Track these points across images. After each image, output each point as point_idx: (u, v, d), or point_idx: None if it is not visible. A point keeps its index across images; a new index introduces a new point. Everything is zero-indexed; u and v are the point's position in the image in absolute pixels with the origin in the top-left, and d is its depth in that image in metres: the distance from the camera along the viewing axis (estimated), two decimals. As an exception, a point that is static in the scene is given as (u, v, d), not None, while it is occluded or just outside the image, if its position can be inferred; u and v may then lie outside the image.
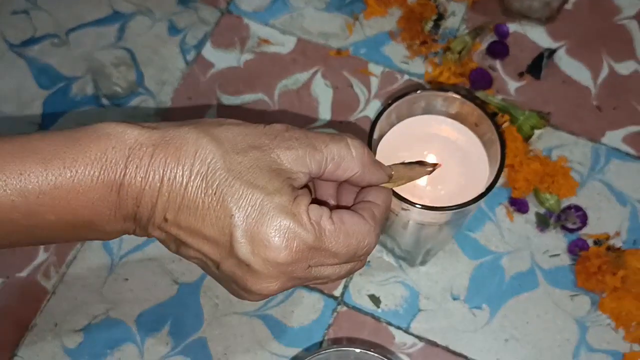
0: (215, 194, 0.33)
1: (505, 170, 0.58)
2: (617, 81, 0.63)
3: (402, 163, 0.40)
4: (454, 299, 0.55)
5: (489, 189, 0.41)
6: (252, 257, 0.33)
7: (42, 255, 0.57)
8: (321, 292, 0.55)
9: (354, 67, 0.64)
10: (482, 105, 0.44)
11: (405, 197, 0.42)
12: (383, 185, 0.38)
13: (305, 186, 0.38)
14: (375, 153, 0.44)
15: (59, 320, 0.54)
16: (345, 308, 0.54)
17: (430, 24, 0.64)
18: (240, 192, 0.33)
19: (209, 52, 0.65)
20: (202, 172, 0.33)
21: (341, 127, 0.61)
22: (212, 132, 0.35)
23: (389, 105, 0.43)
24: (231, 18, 0.67)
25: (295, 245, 0.34)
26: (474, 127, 0.45)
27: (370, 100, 0.62)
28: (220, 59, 0.65)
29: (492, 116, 0.43)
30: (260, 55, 0.65)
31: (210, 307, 0.55)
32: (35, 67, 0.65)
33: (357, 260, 0.37)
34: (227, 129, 0.35)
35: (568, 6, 0.66)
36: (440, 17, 0.64)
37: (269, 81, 0.64)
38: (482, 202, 0.57)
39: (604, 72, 0.63)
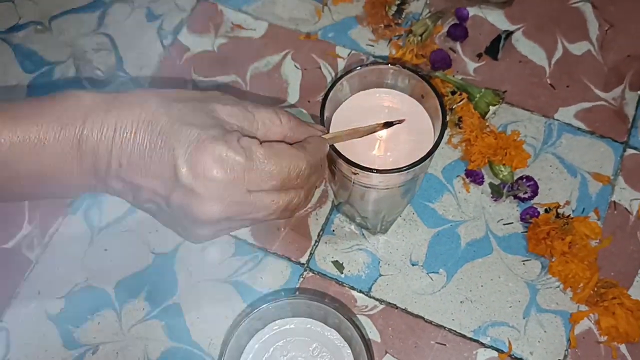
0: (159, 134, 0.39)
1: (462, 145, 0.62)
2: (570, 61, 0.66)
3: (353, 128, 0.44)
4: (413, 264, 0.58)
5: (431, 152, 0.44)
6: (194, 181, 0.38)
7: (26, 227, 0.60)
8: (288, 259, 0.58)
9: (323, 50, 0.68)
10: (426, 78, 0.47)
11: (357, 163, 0.45)
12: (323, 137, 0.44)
13: None
14: (330, 123, 0.48)
15: (41, 289, 0.58)
16: (311, 274, 0.58)
17: (393, 9, 0.67)
18: (181, 131, 0.39)
19: (185, 37, 0.69)
20: (148, 119, 0.39)
21: (309, 107, 0.65)
22: (158, 91, 0.41)
23: (340, 78, 0.46)
24: (206, 4, 0.70)
25: (229, 165, 0.39)
26: (420, 98, 0.48)
27: (337, 80, 0.66)
28: (196, 43, 0.68)
29: (435, 88, 0.46)
30: (234, 39, 0.69)
31: (184, 275, 0.58)
32: (20, 53, 0.68)
33: (294, 187, 0.42)
34: (171, 90, 0.41)
35: (525, -10, 0.70)
36: (404, 1, 0.68)
37: (242, 64, 0.67)
38: (440, 174, 0.61)
39: (559, 53, 0.67)
